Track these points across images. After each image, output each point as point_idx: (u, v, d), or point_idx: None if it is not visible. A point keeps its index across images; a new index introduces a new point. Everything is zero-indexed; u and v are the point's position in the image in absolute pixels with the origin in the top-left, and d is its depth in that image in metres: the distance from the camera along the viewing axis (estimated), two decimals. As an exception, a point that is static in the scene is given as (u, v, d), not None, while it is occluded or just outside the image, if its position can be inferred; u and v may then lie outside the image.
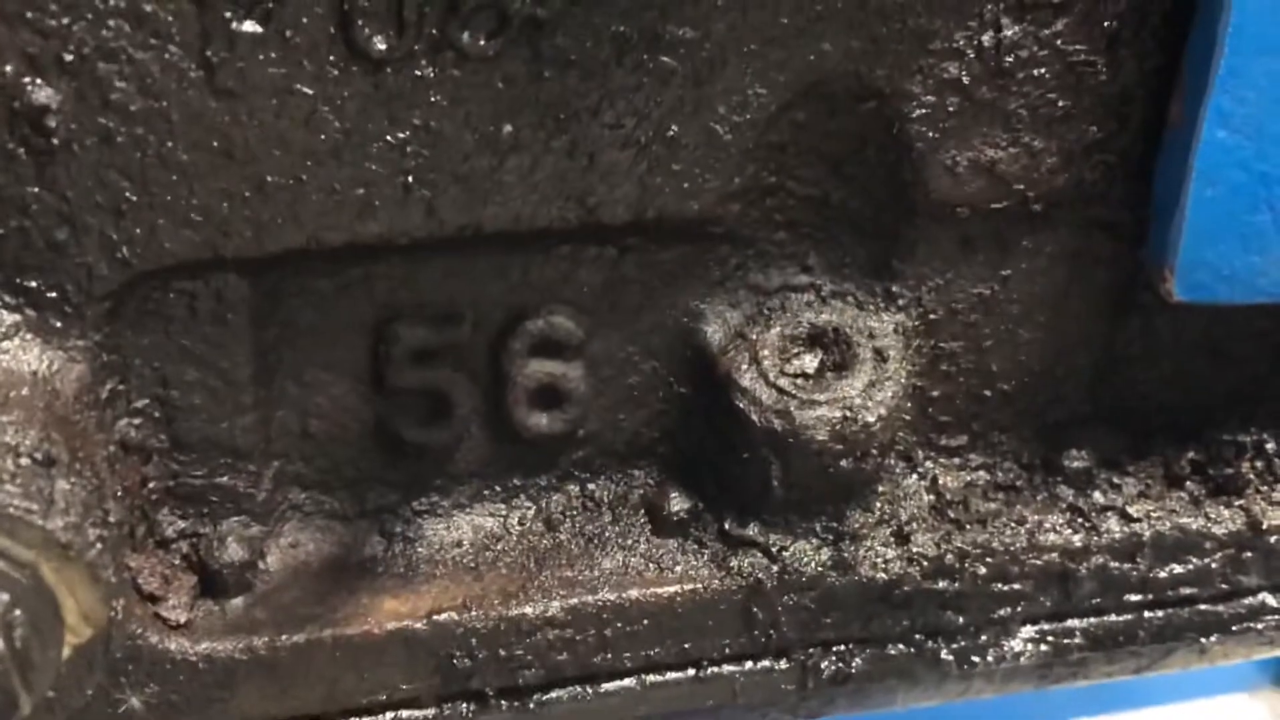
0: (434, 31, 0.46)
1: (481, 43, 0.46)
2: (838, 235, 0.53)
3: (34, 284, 0.46)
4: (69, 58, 0.43)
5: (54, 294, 0.46)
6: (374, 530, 0.53)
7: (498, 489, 0.55)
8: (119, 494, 0.48)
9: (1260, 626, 0.56)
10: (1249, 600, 0.57)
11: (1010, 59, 0.50)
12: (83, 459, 0.46)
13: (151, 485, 0.50)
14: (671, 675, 0.53)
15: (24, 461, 0.44)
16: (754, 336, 0.52)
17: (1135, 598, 0.56)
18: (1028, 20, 0.49)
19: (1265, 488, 0.57)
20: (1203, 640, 0.56)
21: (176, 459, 0.51)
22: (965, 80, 0.50)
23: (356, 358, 0.52)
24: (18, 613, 0.43)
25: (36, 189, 0.45)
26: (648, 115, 0.48)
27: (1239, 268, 0.52)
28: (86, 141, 0.45)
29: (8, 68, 0.43)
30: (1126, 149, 0.52)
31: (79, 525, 0.45)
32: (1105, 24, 0.50)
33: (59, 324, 0.47)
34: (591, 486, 0.56)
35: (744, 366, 0.52)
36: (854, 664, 0.55)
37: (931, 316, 0.53)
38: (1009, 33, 0.49)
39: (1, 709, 0.43)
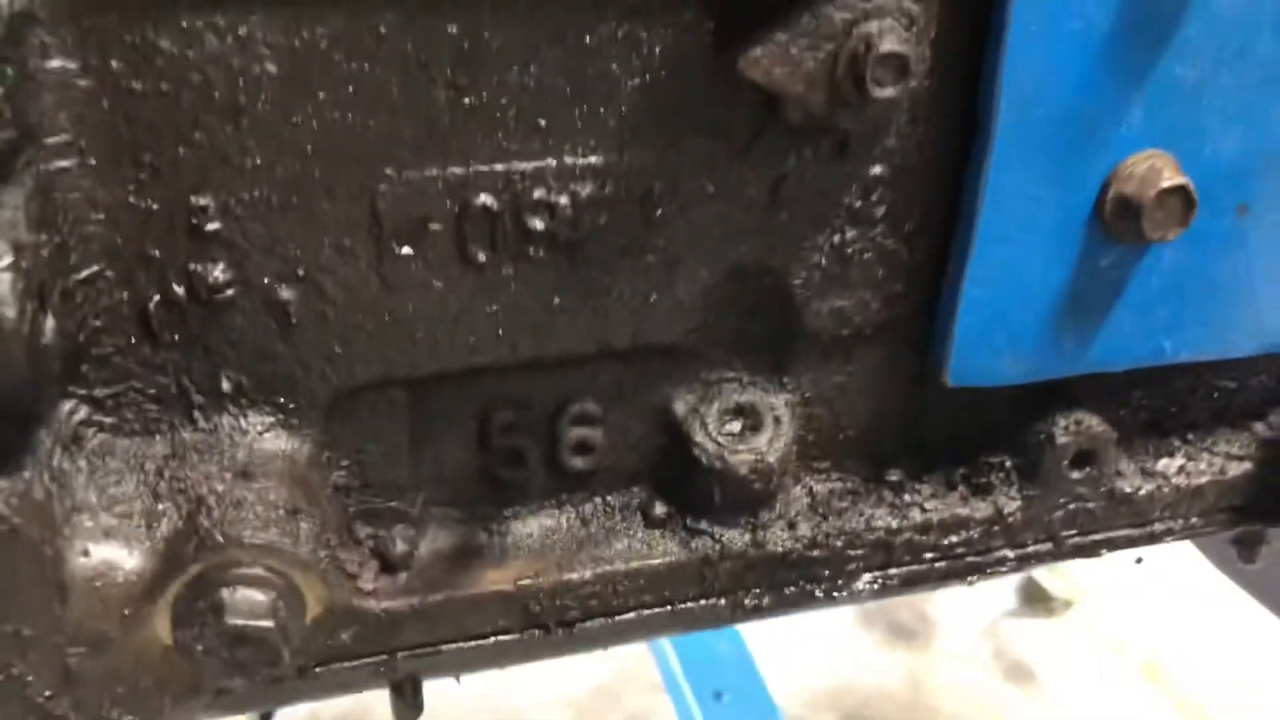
0: (513, 248, 0.61)
1: (541, 254, 0.61)
2: (751, 350, 0.70)
3: (283, 400, 0.61)
4: (301, 272, 0.58)
5: (294, 405, 0.61)
6: (481, 529, 0.69)
7: (553, 502, 0.70)
8: (333, 519, 0.64)
9: (1003, 569, 0.76)
10: (996, 554, 0.75)
11: (850, 249, 0.66)
12: (313, 503, 0.61)
13: (351, 509, 0.66)
14: (656, 610, 0.70)
15: (280, 512, 0.58)
16: (702, 410, 0.69)
17: (929, 555, 0.74)
18: (860, 227, 0.66)
19: (1006, 489, 0.74)
20: (968, 577, 0.76)
21: (365, 493, 0.66)
22: (824, 263, 0.66)
23: (469, 430, 0.67)
24: (280, 603, 0.57)
25: (282, 347, 0.59)
26: (639, 291, 0.64)
27: (988, 368, 0.69)
28: (309, 320, 0.59)
29: (265, 279, 0.58)
30: (921, 299, 0.69)
31: (313, 550, 0.59)
32: (906, 226, 0.67)
33: (296, 421, 0.61)
34: (609, 498, 0.71)
35: (697, 428, 0.69)
36: (764, 600, 0.71)
37: (807, 395, 0.72)
38: (849, 235, 0.66)
39: (271, 658, 0.56)
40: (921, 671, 2.93)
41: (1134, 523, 0.77)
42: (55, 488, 0.53)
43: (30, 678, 0.52)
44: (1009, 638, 3.01)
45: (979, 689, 2.92)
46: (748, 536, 0.70)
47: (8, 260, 0.47)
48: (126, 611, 0.53)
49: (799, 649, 2.78)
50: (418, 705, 0.70)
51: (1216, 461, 0.78)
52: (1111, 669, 2.86)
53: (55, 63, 0.50)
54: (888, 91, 0.55)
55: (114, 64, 0.51)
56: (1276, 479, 0.78)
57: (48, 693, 0.53)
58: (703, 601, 0.71)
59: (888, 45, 0.55)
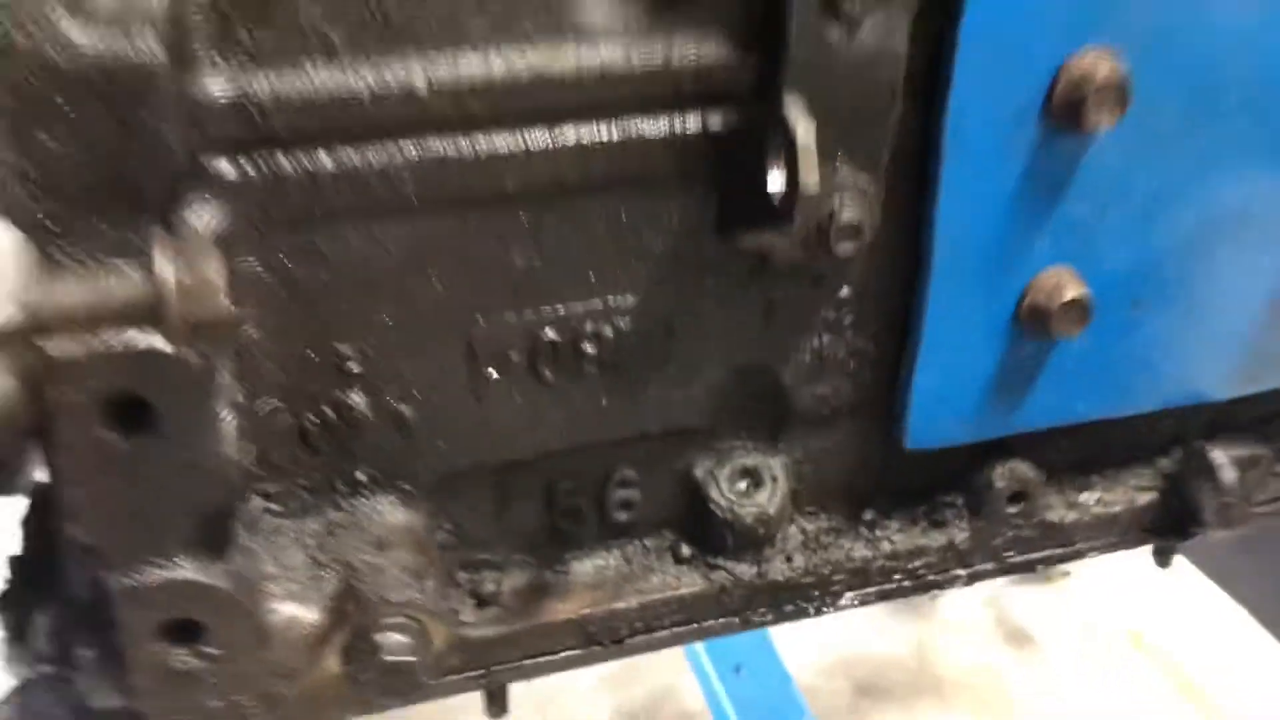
0: (571, 368, 0.78)
1: (593, 370, 0.79)
2: (753, 426, 0.86)
3: (403, 485, 0.78)
4: (417, 394, 0.75)
5: (411, 488, 0.78)
6: (549, 571, 0.86)
7: (604, 547, 0.87)
8: (442, 571, 0.82)
9: (957, 584, 0.94)
10: (951, 573, 0.93)
11: (827, 351, 0.83)
12: (430, 562, 0.78)
13: (452, 561, 0.84)
14: (685, 627, 0.87)
15: (410, 574, 0.76)
16: (716, 473, 0.86)
17: (898, 576, 0.92)
18: (834, 334, 0.83)
19: (958, 523, 0.92)
20: (930, 591, 0.94)
21: (463, 549, 0.84)
22: (807, 361, 0.83)
23: (538, 497, 0.84)
24: (418, 642, 0.75)
25: (403, 448, 0.76)
26: (666, 391, 0.81)
27: (938, 434, 0.87)
28: (422, 427, 0.76)
29: (391, 401, 0.75)
30: (884, 384, 0.86)
31: (435, 601, 0.77)
32: (869, 332, 0.84)
33: (413, 500, 0.78)
34: (646, 543, 0.88)
35: (712, 488, 0.86)
36: (768, 616, 0.89)
37: (798, 458, 0.89)
38: (826, 340, 0.83)
39: (414, 683, 0.75)
40: (928, 640, 3.15)
41: (1061, 544, 0.97)
42: (249, 563, 0.74)
43: (245, 703, 0.73)
44: (1009, 606, 3.23)
45: (981, 654, 3.14)
46: (754, 569, 0.88)
47: (233, 416, 0.68)
48: (308, 652, 0.74)
49: (812, 625, 3.00)
50: (505, 705, 0.91)
51: (1128, 492, 0.98)
52: (1102, 633, 3.09)
53: (246, 262, 0.70)
54: (848, 249, 0.75)
55: (283, 258, 0.71)
56: (1176, 504, 0.98)
57: (256, 714, 0.74)
58: (720, 619, 0.89)
59: (847, 217, 0.74)
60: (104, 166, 0.60)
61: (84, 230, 0.60)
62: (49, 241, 0.60)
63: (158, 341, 0.56)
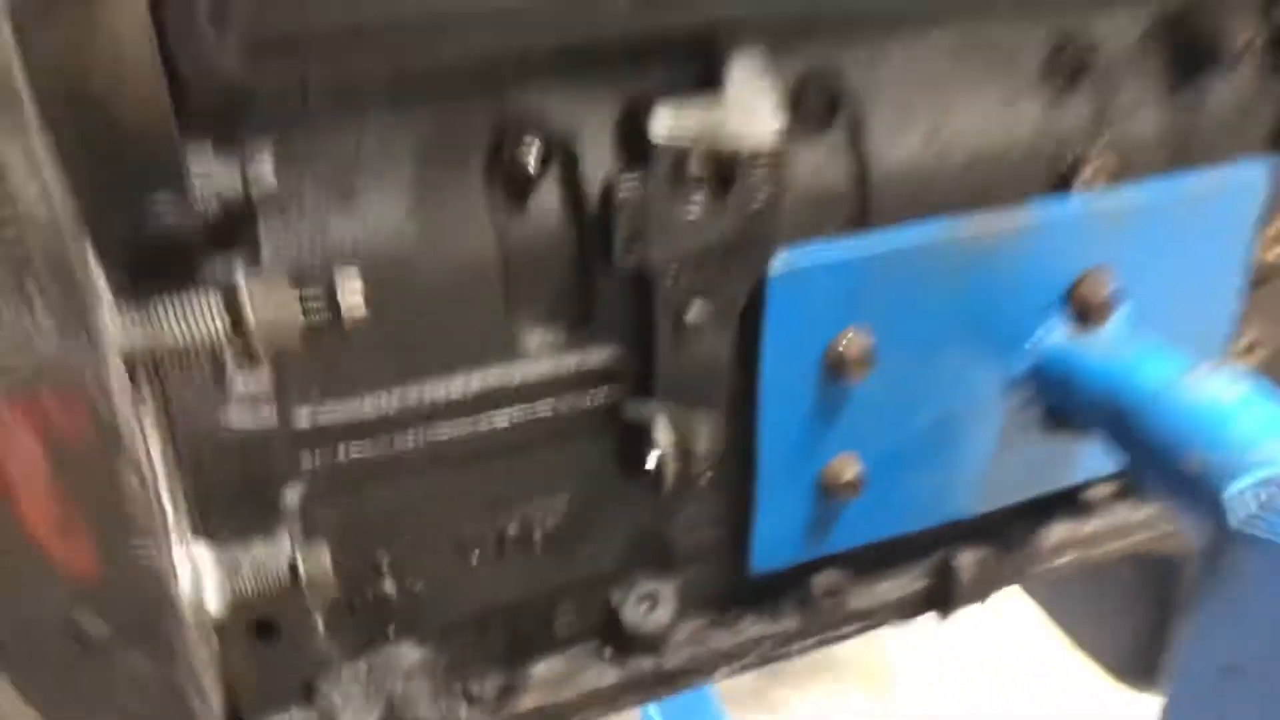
0: (523, 547, 1.26)
1: (541, 546, 1.24)
2: (650, 564, 1.22)
3: (417, 634, 1.20)
4: (426, 578, 1.23)
5: (422, 635, 1.18)
6: (514, 675, 1.24)
7: (551, 655, 1.20)
8: (446, 686, 1.30)
9: (795, 654, 1.43)
10: (792, 648, 1.38)
11: (696, 515, 1.25)
12: (439, 684, 1.27)
13: (451, 678, 1.31)
14: (610, 704, 1.27)
15: (430, 696, 1.22)
16: (626, 598, 1.29)
17: (751, 655, 1.31)
18: (700, 504, 1.28)
19: (792, 614, 1.36)
20: (776, 661, 1.44)
21: (458, 670, 1.26)
22: (683, 524, 1.20)
23: (506, 628, 1.22)
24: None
25: (417, 612, 1.25)
26: (590, 553, 1.16)
27: (774, 560, 1.34)
28: (429, 598, 1.13)
29: (410, 584, 1.20)
30: (737, 531, 1.30)
31: (444, 710, 1.24)
32: (723, 502, 1.34)
33: (425, 642, 1.18)
34: (581, 649, 1.20)
35: (624, 609, 1.30)
36: (667, 691, 1.32)
37: (683, 582, 1.32)
38: (694, 510, 1.20)
39: None
40: (823, 626, 3.66)
41: (864, 620, 1.43)
42: (329, 700, 1.17)
43: (331, 790, 1.17)
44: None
45: (872, 635, 3.67)
46: (656, 661, 1.22)
47: (320, 616, 1.10)
48: (369, 754, 1.18)
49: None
50: (492, 767, 1.36)
51: (910, 581, 1.46)
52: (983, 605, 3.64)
53: (318, 510, 1.13)
54: (703, 467, 1.21)
55: (341, 505, 1.14)
56: (941, 587, 1.47)
57: (339, 795, 1.17)
58: (634, 696, 1.31)
59: (701, 450, 1.19)
60: (243, 485, 1.01)
61: (232, 526, 1.02)
62: (214, 536, 1.02)
63: (292, 595, 0.99)
